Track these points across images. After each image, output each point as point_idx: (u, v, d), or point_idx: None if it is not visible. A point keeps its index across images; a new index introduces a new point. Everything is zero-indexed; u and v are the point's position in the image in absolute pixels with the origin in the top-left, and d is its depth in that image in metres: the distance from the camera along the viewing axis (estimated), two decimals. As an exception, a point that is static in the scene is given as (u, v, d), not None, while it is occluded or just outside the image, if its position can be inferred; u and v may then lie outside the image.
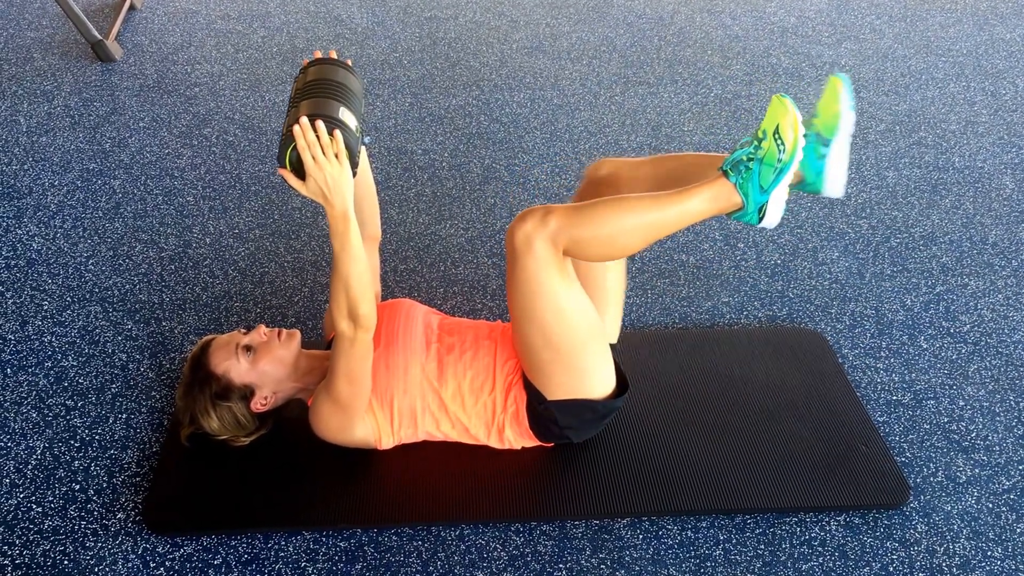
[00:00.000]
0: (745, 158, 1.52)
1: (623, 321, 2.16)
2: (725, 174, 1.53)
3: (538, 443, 1.74)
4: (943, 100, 3.17)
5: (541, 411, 1.64)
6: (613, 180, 1.73)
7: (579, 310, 1.57)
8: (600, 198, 1.54)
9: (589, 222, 1.49)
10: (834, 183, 1.61)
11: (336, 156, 1.41)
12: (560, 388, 1.61)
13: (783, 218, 2.53)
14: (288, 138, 1.41)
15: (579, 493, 1.71)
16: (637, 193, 1.56)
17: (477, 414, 1.69)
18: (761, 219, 1.54)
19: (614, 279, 1.75)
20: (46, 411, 1.89)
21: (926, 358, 2.08)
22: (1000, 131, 2.99)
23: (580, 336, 1.58)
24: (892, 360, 2.07)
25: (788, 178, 1.51)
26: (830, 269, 2.35)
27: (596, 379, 1.63)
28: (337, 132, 1.41)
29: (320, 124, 1.39)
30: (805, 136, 1.59)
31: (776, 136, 1.49)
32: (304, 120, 1.39)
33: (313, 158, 1.40)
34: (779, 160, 1.49)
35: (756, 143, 1.52)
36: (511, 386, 1.67)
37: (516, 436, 1.71)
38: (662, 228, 1.53)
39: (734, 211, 1.55)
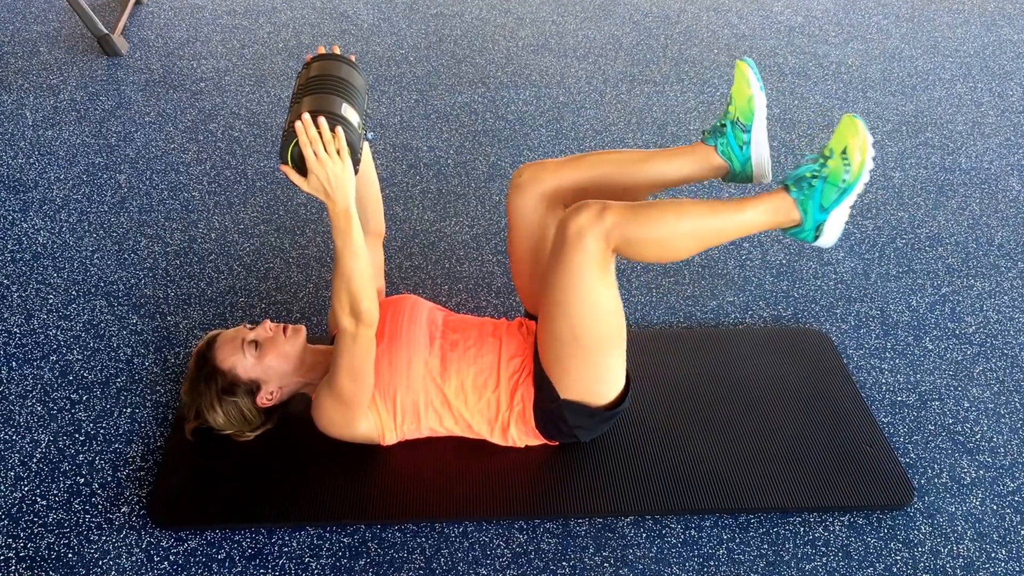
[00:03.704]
0: (809, 175, 1.49)
1: (629, 320, 2.16)
2: (787, 189, 1.51)
3: (543, 441, 1.74)
4: (950, 101, 3.16)
5: (552, 408, 1.64)
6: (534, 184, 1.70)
7: (613, 311, 1.56)
8: (658, 200, 1.53)
9: (645, 222, 1.48)
10: (761, 168, 1.61)
11: (338, 152, 1.41)
12: (576, 385, 1.61)
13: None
14: (290, 134, 1.41)
15: (583, 491, 1.71)
16: (693, 199, 1.56)
17: (480, 411, 1.69)
18: (817, 237, 1.52)
19: None
20: (51, 405, 1.90)
21: (931, 359, 2.08)
22: (1007, 132, 2.98)
23: (608, 336, 1.58)
24: (897, 361, 2.07)
25: (851, 199, 1.48)
26: (835, 269, 2.35)
27: (611, 381, 1.64)
28: (339, 128, 1.41)
29: (322, 120, 1.39)
30: (723, 125, 1.59)
31: (844, 156, 1.46)
32: (306, 116, 1.39)
33: (315, 154, 1.40)
34: (843, 180, 1.46)
35: (822, 161, 1.49)
36: (517, 384, 1.67)
37: (521, 435, 1.71)
38: (717, 236, 1.52)
39: (791, 227, 1.53)
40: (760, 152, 1.60)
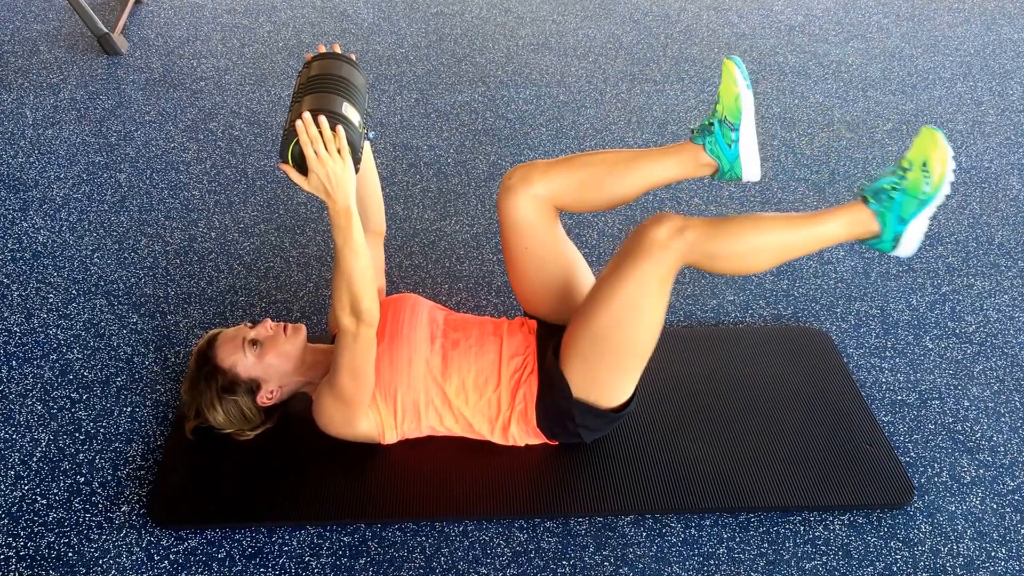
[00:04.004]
0: (888, 187, 1.51)
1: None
2: (865, 201, 1.53)
3: (544, 441, 1.74)
4: (950, 100, 3.16)
5: (563, 406, 1.64)
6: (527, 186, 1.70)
7: (656, 324, 1.57)
8: (736, 216, 1.55)
9: (725, 237, 1.51)
10: (750, 167, 1.63)
11: (339, 151, 1.41)
12: (593, 385, 1.62)
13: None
14: (290, 133, 1.41)
15: (583, 490, 1.71)
16: (772, 214, 1.59)
17: (481, 410, 1.69)
18: (895, 248, 1.54)
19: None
20: (51, 404, 1.90)
21: (931, 358, 2.08)
22: (1007, 131, 2.98)
23: (643, 346, 1.59)
24: (897, 360, 2.07)
25: (930, 210, 1.50)
26: (836, 268, 2.35)
27: (627, 387, 1.66)
28: (339, 127, 1.41)
29: (323, 119, 1.39)
30: (711, 124, 1.60)
31: (924, 168, 1.48)
32: (307, 115, 1.39)
33: (315, 153, 1.40)
34: (923, 192, 1.48)
35: (900, 173, 1.51)
36: (519, 384, 1.67)
37: (521, 434, 1.71)
38: (796, 249, 1.55)
39: (869, 238, 1.55)
40: (749, 150, 1.61)
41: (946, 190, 1.48)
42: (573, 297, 1.74)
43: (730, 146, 1.60)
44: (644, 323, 1.55)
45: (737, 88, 1.59)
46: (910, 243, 1.52)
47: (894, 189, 1.51)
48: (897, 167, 1.53)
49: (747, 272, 1.60)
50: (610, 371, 1.61)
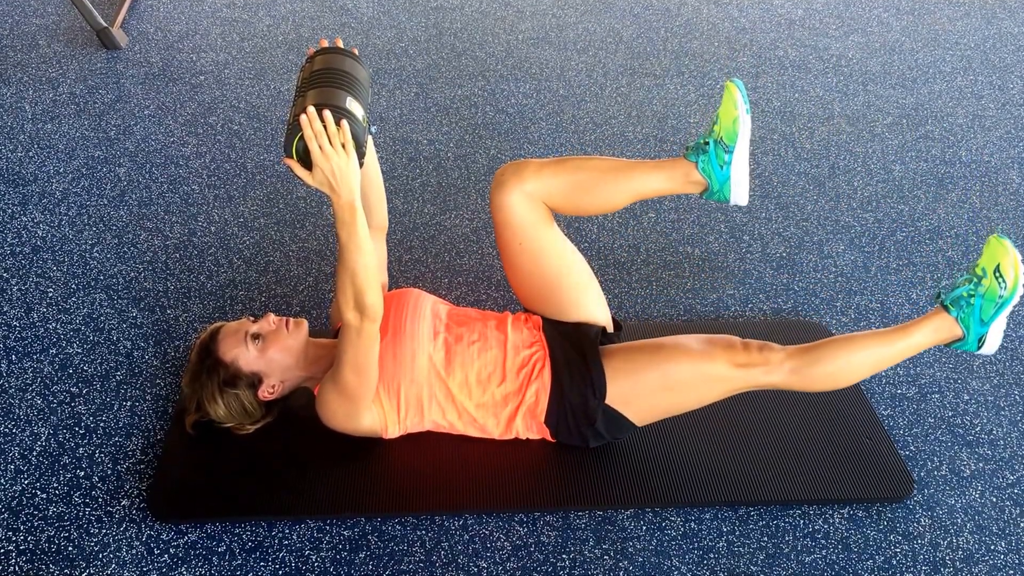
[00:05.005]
0: (966, 294, 1.61)
1: (629, 313, 2.16)
2: (946, 308, 1.62)
3: (543, 437, 1.73)
4: (950, 94, 3.16)
5: (591, 405, 1.65)
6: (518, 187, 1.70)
7: (706, 403, 1.68)
8: (827, 340, 1.65)
9: (822, 363, 1.62)
10: (739, 191, 1.66)
11: (343, 146, 1.41)
12: (626, 402, 1.66)
13: (794, 215, 2.53)
14: (295, 127, 1.41)
15: (583, 484, 1.71)
16: (860, 333, 1.68)
17: (484, 405, 1.69)
18: (980, 348, 1.63)
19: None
20: (51, 398, 1.90)
21: (931, 352, 2.07)
22: (1007, 125, 2.98)
23: (684, 406, 1.69)
24: (897, 354, 2.07)
25: (1008, 310, 1.59)
26: (835, 262, 2.35)
27: (645, 419, 1.70)
28: (344, 122, 1.41)
29: (327, 114, 1.39)
30: (706, 143, 1.61)
31: (997, 274, 1.57)
32: (311, 109, 1.39)
33: (320, 148, 1.40)
34: (1000, 296, 1.58)
35: (976, 280, 1.60)
36: (530, 379, 1.67)
37: (525, 427, 1.71)
38: (887, 361, 1.66)
39: (954, 341, 1.64)
40: (739, 174, 1.64)
41: (1021, 291, 1.57)
42: (570, 295, 1.74)
43: (722, 167, 1.63)
44: (701, 398, 1.67)
45: (737, 111, 1.60)
46: (993, 342, 1.62)
47: (971, 296, 1.60)
48: (971, 275, 1.62)
49: (839, 387, 1.68)
50: (649, 405, 1.67)
